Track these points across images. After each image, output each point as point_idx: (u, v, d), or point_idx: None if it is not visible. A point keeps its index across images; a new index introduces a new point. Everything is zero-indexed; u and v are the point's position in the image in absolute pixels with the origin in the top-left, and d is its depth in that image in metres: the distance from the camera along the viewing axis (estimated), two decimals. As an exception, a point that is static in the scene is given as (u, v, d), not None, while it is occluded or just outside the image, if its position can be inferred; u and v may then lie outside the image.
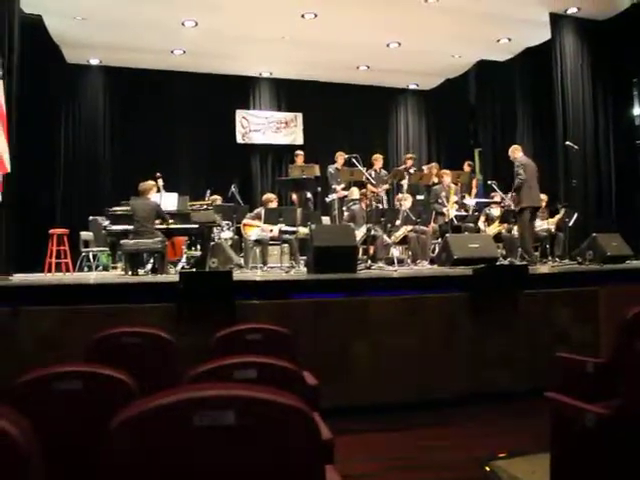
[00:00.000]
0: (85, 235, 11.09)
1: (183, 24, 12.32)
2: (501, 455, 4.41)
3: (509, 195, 10.59)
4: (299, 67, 15.05)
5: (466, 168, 12.69)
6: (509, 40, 13.65)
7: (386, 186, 11.59)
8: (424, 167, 12.99)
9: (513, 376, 6.08)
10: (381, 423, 5.24)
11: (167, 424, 1.43)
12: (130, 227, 8.38)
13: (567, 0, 11.78)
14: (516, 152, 10.40)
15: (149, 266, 9.04)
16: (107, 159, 14.57)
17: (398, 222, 10.25)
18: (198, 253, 9.47)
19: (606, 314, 6.45)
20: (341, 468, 2.20)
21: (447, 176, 11.42)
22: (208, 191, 11.31)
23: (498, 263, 8.59)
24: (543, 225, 10.77)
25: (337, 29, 12.59)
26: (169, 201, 9.33)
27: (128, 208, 8.69)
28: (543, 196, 11.24)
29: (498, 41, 13.71)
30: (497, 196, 11.33)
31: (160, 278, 7.46)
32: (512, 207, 10.50)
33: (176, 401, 1.43)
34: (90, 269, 10.83)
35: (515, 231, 10.27)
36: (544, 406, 3.22)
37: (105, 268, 10.85)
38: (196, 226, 8.89)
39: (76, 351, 3.27)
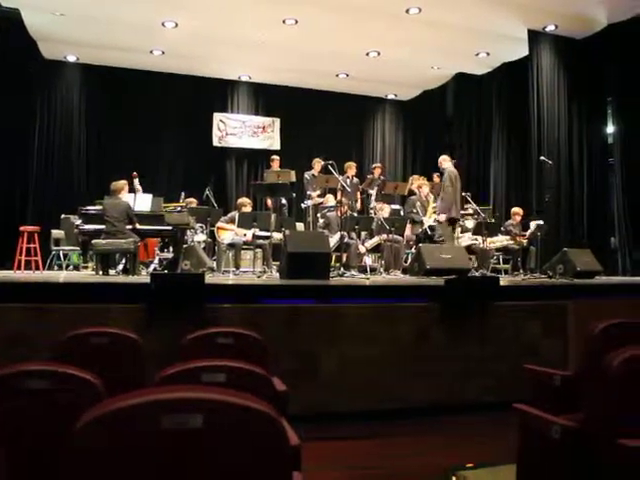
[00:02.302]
0: (56, 233, 10.96)
1: (163, 24, 12.26)
2: (468, 465, 4.43)
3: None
4: (278, 72, 15.06)
5: (436, 179, 12.74)
6: (487, 54, 13.79)
7: (372, 193, 11.61)
8: (411, 178, 12.96)
9: (482, 387, 6.11)
10: (349, 431, 5.23)
11: (133, 426, 1.41)
12: (102, 227, 8.31)
13: (545, 17, 11.92)
14: (444, 162, 10.62)
15: (120, 267, 8.97)
16: (82, 157, 14.41)
17: (372, 230, 10.28)
18: (171, 255, 9.41)
19: (575, 328, 6.51)
20: (308, 475, 2.19)
21: (426, 186, 11.47)
22: (183, 193, 11.26)
23: (470, 274, 8.63)
24: (504, 241, 10.84)
25: (317, 36, 12.63)
26: (143, 202, 9.26)
27: (101, 207, 8.62)
28: (519, 210, 11.36)
29: (477, 55, 13.84)
30: (470, 208, 11.40)
31: (131, 279, 7.39)
32: (486, 219, 10.59)
33: (143, 403, 1.41)
34: (60, 268, 10.71)
35: (487, 243, 10.34)
36: (512, 417, 3.24)
37: (76, 267, 10.73)
38: (169, 228, 8.83)
39: (44, 350, 3.23)
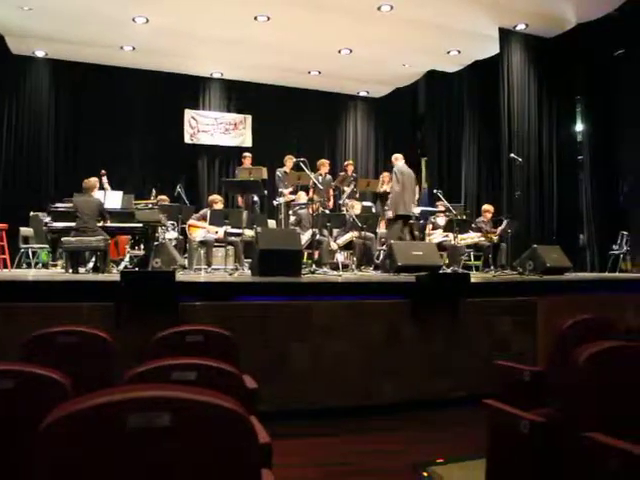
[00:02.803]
0: (25, 231, 10.82)
1: (134, 20, 12.13)
2: (438, 461, 4.46)
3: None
4: (250, 69, 15.00)
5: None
6: (459, 52, 13.86)
7: (348, 190, 11.63)
8: (382, 175, 12.99)
9: (452, 383, 6.15)
10: (321, 428, 5.23)
11: (100, 425, 1.40)
12: (72, 224, 8.22)
13: (516, 16, 12.01)
14: (396, 160, 10.86)
15: (91, 265, 8.88)
16: (51, 154, 14.22)
17: (344, 228, 10.30)
18: (142, 253, 9.34)
19: (544, 324, 6.58)
20: (278, 472, 2.19)
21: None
22: (154, 190, 11.18)
23: (441, 271, 8.68)
24: (475, 238, 10.92)
25: (290, 33, 12.60)
26: (114, 199, 9.19)
27: (71, 205, 8.53)
28: (489, 207, 11.44)
29: (448, 52, 13.91)
30: (442, 205, 11.47)
31: (101, 277, 7.32)
32: (458, 217, 10.67)
33: (110, 402, 1.40)
34: (29, 266, 10.58)
35: (458, 240, 10.41)
36: (482, 413, 3.26)
37: (45, 265, 10.60)
38: (140, 225, 8.77)
39: (11, 350, 3.19)
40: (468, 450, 4.28)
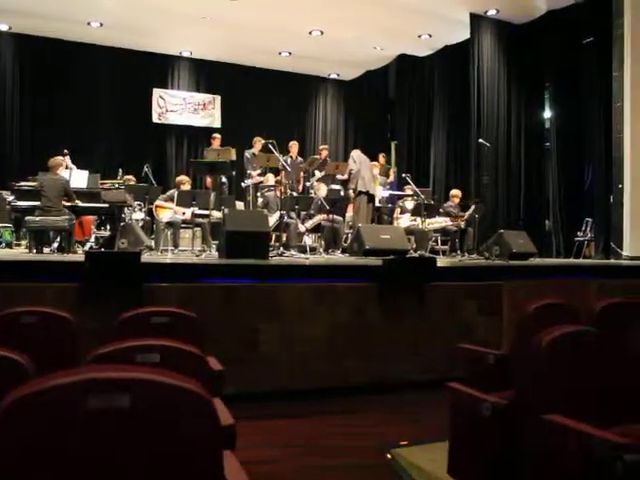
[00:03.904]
0: (-14, 210, 10.63)
1: (102, -4, 11.95)
2: (402, 443, 4.50)
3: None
4: (220, 49, 14.87)
5: (381, 160, 12.84)
6: (430, 36, 13.89)
7: (318, 173, 11.63)
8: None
9: (418, 366, 6.20)
10: (287, 410, 5.25)
11: (58, 406, 1.38)
12: (37, 203, 8.10)
13: (487, 2, 12.07)
14: (354, 151, 11.36)
15: (55, 245, 8.77)
16: (15, 132, 13.99)
17: (312, 210, 10.29)
18: (107, 233, 9.25)
19: (509, 308, 6.66)
20: (243, 454, 2.19)
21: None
22: (120, 170, 11.06)
23: (408, 255, 8.73)
24: (442, 222, 10.99)
25: (260, 13, 12.49)
26: (79, 179, 9.09)
27: (35, 184, 8.41)
28: (457, 192, 11.50)
29: (419, 36, 13.93)
30: (410, 189, 11.51)
31: (65, 257, 7.24)
32: (425, 201, 10.73)
33: (68, 382, 1.38)
34: (-8, 245, 10.42)
35: (426, 224, 10.48)
36: (446, 395, 3.30)
37: (8, 245, 10.44)
38: (106, 205, 8.69)
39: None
40: (433, 433, 4.33)
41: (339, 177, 11.54)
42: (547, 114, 13.02)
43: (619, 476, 2.02)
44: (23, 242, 9.40)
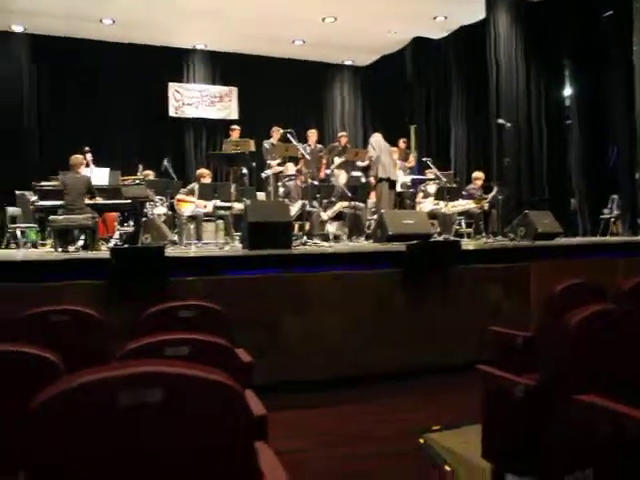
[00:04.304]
0: (12, 211, 10.76)
1: (113, -8, 11.99)
2: (435, 428, 4.50)
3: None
4: (234, 40, 14.85)
5: (401, 145, 12.77)
6: (445, 18, 13.78)
7: (338, 160, 11.59)
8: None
9: (446, 350, 6.18)
10: (315, 399, 5.26)
11: (91, 402, 1.40)
12: (60, 202, 8.17)
13: (502, -21, 11.94)
14: (372, 137, 11.21)
15: (80, 243, 8.84)
16: (34, 132, 14.11)
17: (333, 198, 10.28)
18: (131, 229, 9.30)
19: (536, 289, 6.61)
20: (274, 444, 2.20)
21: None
22: (140, 166, 11.11)
23: (432, 239, 8.70)
24: (466, 205, 10.91)
25: (273, 2, 12.46)
26: (100, 176, 9.14)
27: (57, 183, 8.48)
28: (480, 174, 11.41)
29: (434, 18, 13.82)
30: (431, 173, 11.45)
31: (91, 255, 7.30)
32: (448, 184, 10.68)
33: (100, 379, 1.39)
34: (18, 246, 10.53)
35: (449, 208, 10.43)
36: (477, 379, 3.29)
37: (34, 245, 10.55)
38: (128, 201, 8.73)
39: (3, 330, 3.18)
40: (465, 416, 4.31)
41: (359, 164, 11.51)
42: (567, 91, 12.88)
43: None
44: (48, 241, 9.48)
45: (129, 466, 1.43)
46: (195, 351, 2.29)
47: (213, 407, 1.45)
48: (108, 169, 9.35)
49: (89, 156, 10.21)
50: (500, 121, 10.93)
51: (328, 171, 11.43)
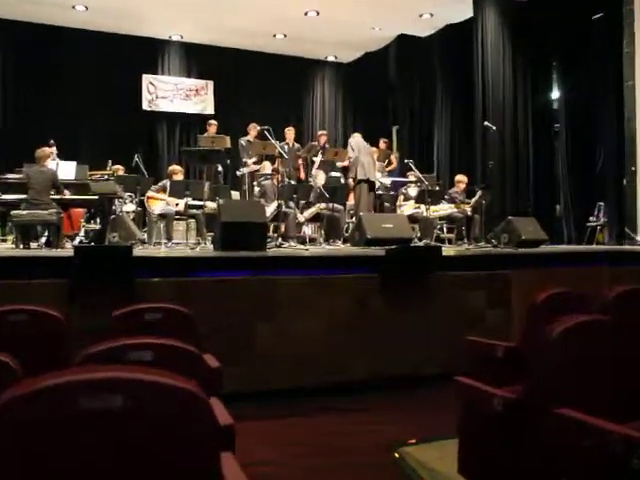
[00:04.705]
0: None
1: (86, -22, 11.90)
2: (410, 441, 4.50)
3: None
4: (212, 32, 14.80)
5: (381, 145, 12.80)
6: (431, 15, 13.83)
7: (317, 160, 11.57)
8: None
9: (424, 360, 6.20)
10: (287, 408, 5.25)
11: (50, 408, 1.38)
12: (23, 196, 8.08)
13: (491, -23, 12.01)
14: (352, 136, 11.28)
15: (43, 239, 8.75)
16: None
17: (311, 199, 10.27)
18: (97, 227, 9.23)
19: (518, 298, 6.65)
20: (242, 455, 2.19)
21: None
22: (110, 161, 11.03)
23: (413, 244, 8.72)
24: (448, 209, 10.95)
25: (253, -7, 12.45)
26: (67, 170, 9.05)
27: (21, 176, 8.38)
28: (463, 177, 11.46)
29: (420, 16, 13.87)
30: (413, 175, 11.47)
31: (54, 253, 7.23)
32: (429, 187, 10.72)
33: (60, 383, 1.38)
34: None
35: (430, 212, 10.46)
36: (454, 391, 3.30)
37: (-6, 241, 10.43)
38: (96, 197, 8.66)
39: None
40: (441, 430, 4.33)
41: (339, 164, 11.52)
42: (555, 94, 12.97)
43: (636, 472, 2.02)
44: (9, 237, 9.38)
45: (88, 474, 1.42)
46: (159, 356, 2.27)
47: (175, 415, 1.44)
48: (75, 163, 9.27)
49: (54, 149, 10.11)
50: (486, 124, 11.00)
51: (314, 172, 11.39)
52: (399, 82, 15.89)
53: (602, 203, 11.66)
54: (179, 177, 9.82)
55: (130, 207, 9.88)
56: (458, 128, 14.09)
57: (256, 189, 10.66)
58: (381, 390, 5.75)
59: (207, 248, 8.29)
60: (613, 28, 10.90)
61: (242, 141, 11.57)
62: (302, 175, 11.85)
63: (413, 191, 11.39)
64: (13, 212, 7.96)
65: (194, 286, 5.60)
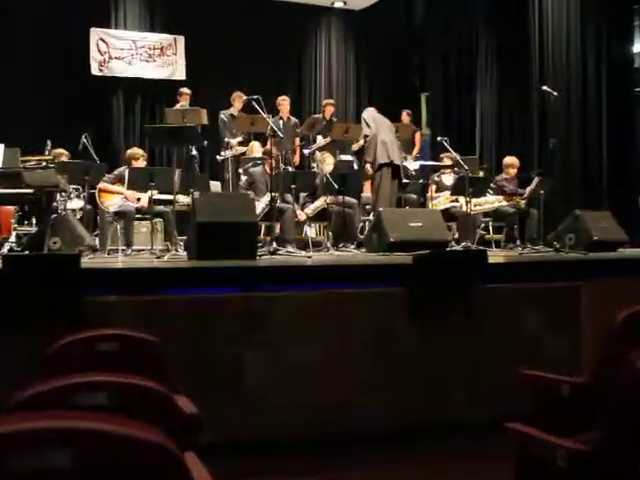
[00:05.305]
0: None
1: None
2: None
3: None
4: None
5: (404, 119, 12.80)
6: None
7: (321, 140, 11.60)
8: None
9: (466, 401, 6.21)
10: (282, 465, 5.25)
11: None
12: None
13: None
14: (365, 111, 11.39)
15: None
16: None
17: (315, 191, 10.29)
18: (33, 229, 9.26)
19: (590, 319, 6.64)
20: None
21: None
22: (49, 142, 11.07)
23: (449, 248, 8.73)
24: (495, 202, 10.94)
25: None
26: (-9, 155, 9.10)
27: None
28: (514, 160, 11.44)
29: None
30: (448, 158, 11.45)
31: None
32: (470, 174, 10.72)
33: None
34: None
35: (472, 206, 10.46)
36: (506, 442, 3.30)
37: None
38: (30, 191, 8.69)
39: None
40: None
41: (355, 146, 11.55)
42: (637, 47, 12.94)
43: None
44: None
45: None
46: (117, 399, 2.29)
47: (139, 476, 1.44)
48: (2, 145, 9.31)
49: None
50: (545, 88, 10.99)
51: (306, 151, 11.43)
52: (429, 34, 15.89)
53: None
54: (141, 163, 9.84)
55: (77, 204, 9.91)
56: (507, 93, 14.08)
57: (242, 178, 10.69)
58: (408, 443, 5.74)
59: (179, 256, 8.32)
60: None
61: (223, 115, 11.61)
62: (298, 159, 11.88)
63: (448, 179, 11.41)
64: None
65: (162, 306, 5.62)
